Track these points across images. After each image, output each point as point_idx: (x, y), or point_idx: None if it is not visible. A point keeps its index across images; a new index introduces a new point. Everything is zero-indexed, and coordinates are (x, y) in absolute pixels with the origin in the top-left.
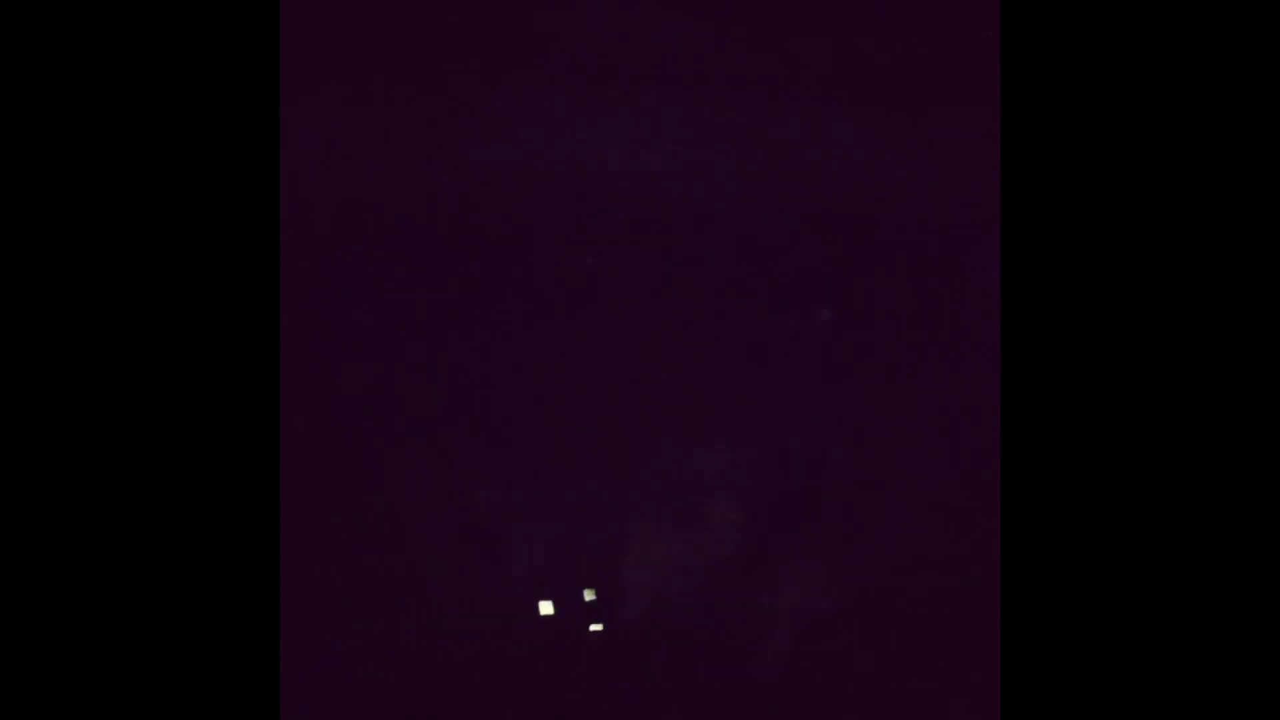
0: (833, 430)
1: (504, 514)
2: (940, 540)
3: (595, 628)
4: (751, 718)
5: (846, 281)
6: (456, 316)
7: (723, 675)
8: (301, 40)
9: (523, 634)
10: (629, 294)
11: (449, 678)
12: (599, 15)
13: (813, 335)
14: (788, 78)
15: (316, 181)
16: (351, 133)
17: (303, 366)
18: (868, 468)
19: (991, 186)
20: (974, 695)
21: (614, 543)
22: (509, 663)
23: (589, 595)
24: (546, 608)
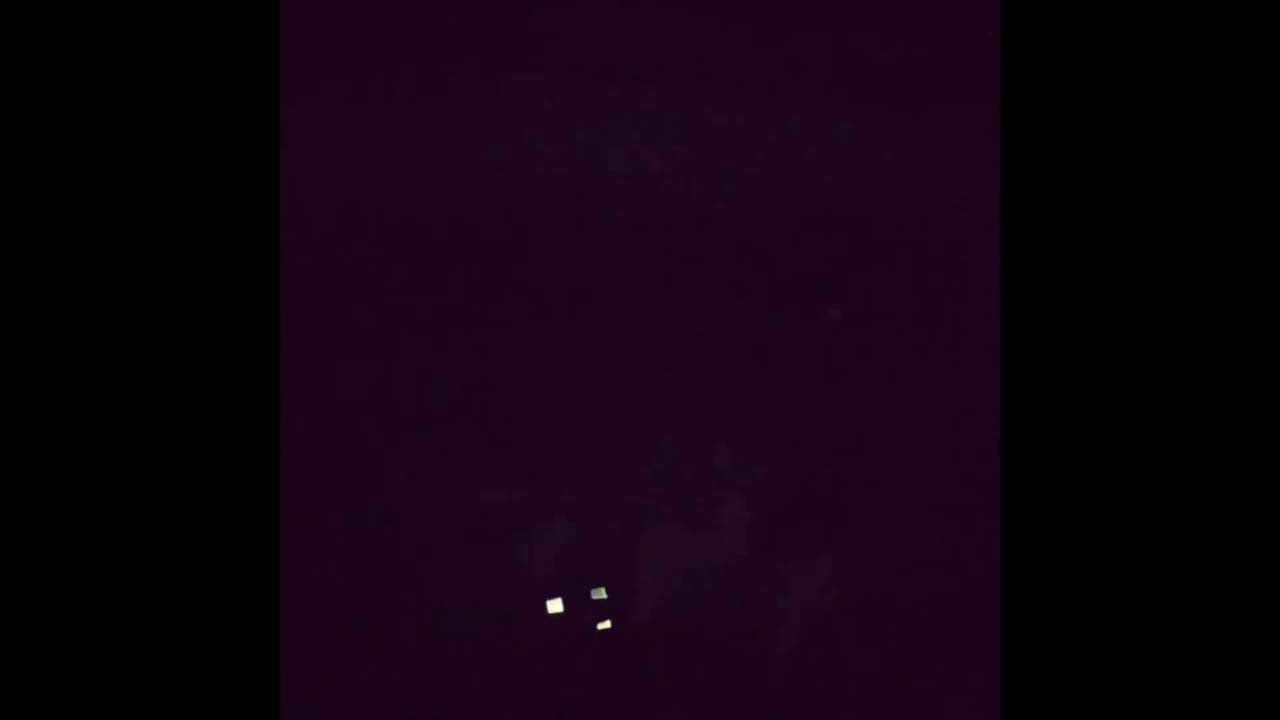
0: (832, 430)
1: (505, 514)
2: (940, 540)
3: (603, 625)
4: (751, 717)
5: (846, 281)
6: (456, 316)
7: (721, 675)
8: (301, 40)
9: (523, 634)
10: (629, 294)
11: (449, 678)
12: (599, 15)
13: (812, 335)
14: (788, 78)
15: (316, 181)
16: (351, 133)
17: (303, 366)
18: (867, 468)
19: (991, 186)
20: (974, 695)
21: (614, 543)
22: (510, 663)
23: (598, 594)
24: (556, 605)
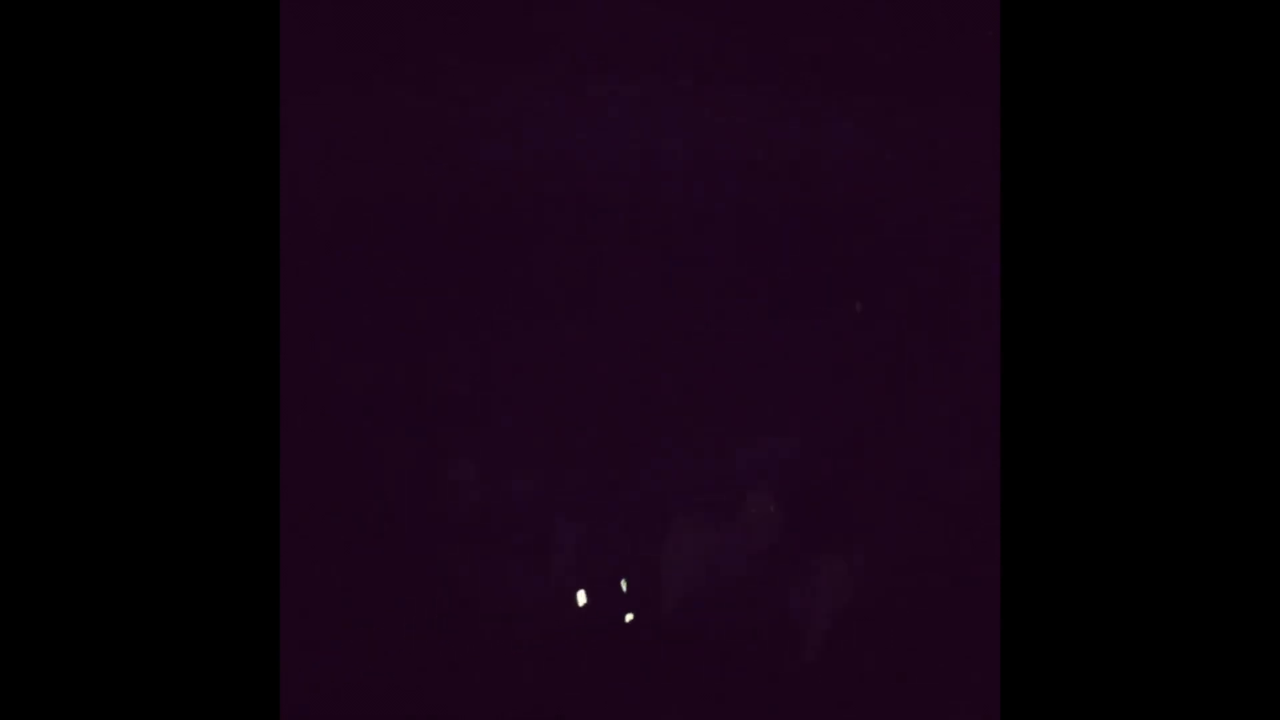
0: (831, 429)
1: (505, 513)
2: (940, 540)
3: (629, 618)
4: (751, 717)
5: (846, 281)
6: (456, 316)
7: (722, 675)
8: (301, 40)
9: (524, 634)
10: (628, 294)
11: (449, 678)
12: (599, 15)
13: (811, 335)
14: (788, 76)
15: (316, 181)
16: (351, 133)
17: (303, 366)
18: (867, 467)
19: (991, 186)
20: (974, 695)
21: (614, 542)
22: (510, 663)
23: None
24: (583, 598)
